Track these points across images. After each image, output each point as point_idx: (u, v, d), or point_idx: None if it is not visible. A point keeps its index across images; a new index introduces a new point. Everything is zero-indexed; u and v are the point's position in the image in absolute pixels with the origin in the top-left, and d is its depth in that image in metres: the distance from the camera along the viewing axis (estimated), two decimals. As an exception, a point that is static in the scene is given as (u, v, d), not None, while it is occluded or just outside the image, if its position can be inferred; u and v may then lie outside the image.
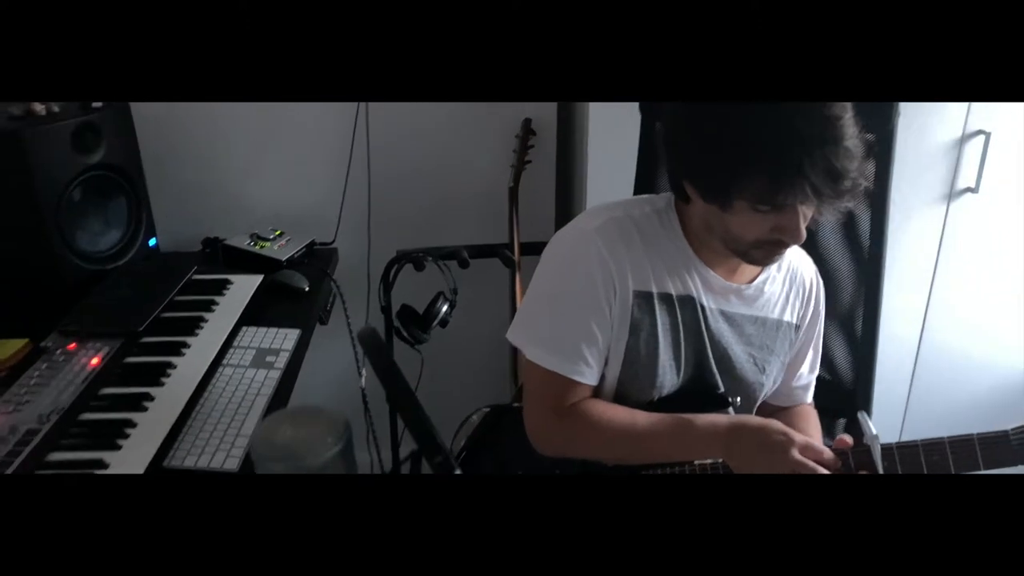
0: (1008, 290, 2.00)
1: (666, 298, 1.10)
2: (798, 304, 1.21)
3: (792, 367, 1.26)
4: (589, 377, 1.10)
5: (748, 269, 1.14)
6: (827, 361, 1.47)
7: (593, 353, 1.09)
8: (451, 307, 1.90)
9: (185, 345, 1.40)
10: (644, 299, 1.09)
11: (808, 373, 1.29)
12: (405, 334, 1.87)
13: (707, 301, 1.13)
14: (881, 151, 1.36)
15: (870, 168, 0.96)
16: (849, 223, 1.41)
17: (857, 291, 1.44)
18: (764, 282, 1.17)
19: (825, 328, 1.46)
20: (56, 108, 1.57)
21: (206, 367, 1.35)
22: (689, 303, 1.11)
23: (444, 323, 1.89)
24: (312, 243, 1.93)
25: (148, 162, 1.79)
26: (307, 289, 1.72)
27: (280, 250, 1.84)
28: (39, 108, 1.53)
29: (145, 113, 1.79)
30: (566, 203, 2.06)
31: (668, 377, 1.13)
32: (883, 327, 2.01)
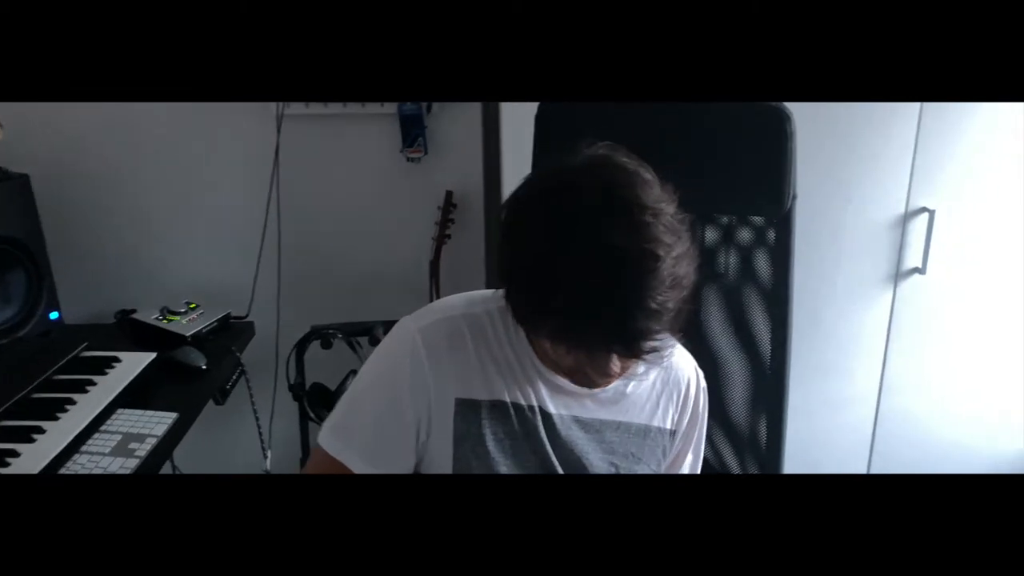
0: (963, 372, 1.87)
1: (498, 406, 0.99)
2: (671, 408, 1.10)
3: (670, 472, 1.14)
4: None
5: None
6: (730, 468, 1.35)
7: (382, 458, 0.97)
8: (363, 387, 1.81)
9: (39, 431, 1.32)
10: (469, 408, 0.98)
11: (690, 478, 1.16)
12: (311, 414, 1.78)
13: (555, 408, 1.02)
14: (780, 236, 1.26)
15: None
16: (748, 317, 1.30)
17: (759, 394, 1.31)
18: (626, 384, 1.05)
19: (726, 436, 1.35)
20: (-53, 181, 1.54)
21: (53, 455, 1.27)
22: (528, 411, 1.00)
23: (355, 403, 1.80)
24: (227, 317, 1.86)
25: (57, 233, 1.76)
26: (204, 367, 1.65)
27: (188, 324, 1.78)
28: (-75, 181, 1.50)
29: (53, 184, 1.76)
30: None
31: None
32: (835, 417, 1.89)
